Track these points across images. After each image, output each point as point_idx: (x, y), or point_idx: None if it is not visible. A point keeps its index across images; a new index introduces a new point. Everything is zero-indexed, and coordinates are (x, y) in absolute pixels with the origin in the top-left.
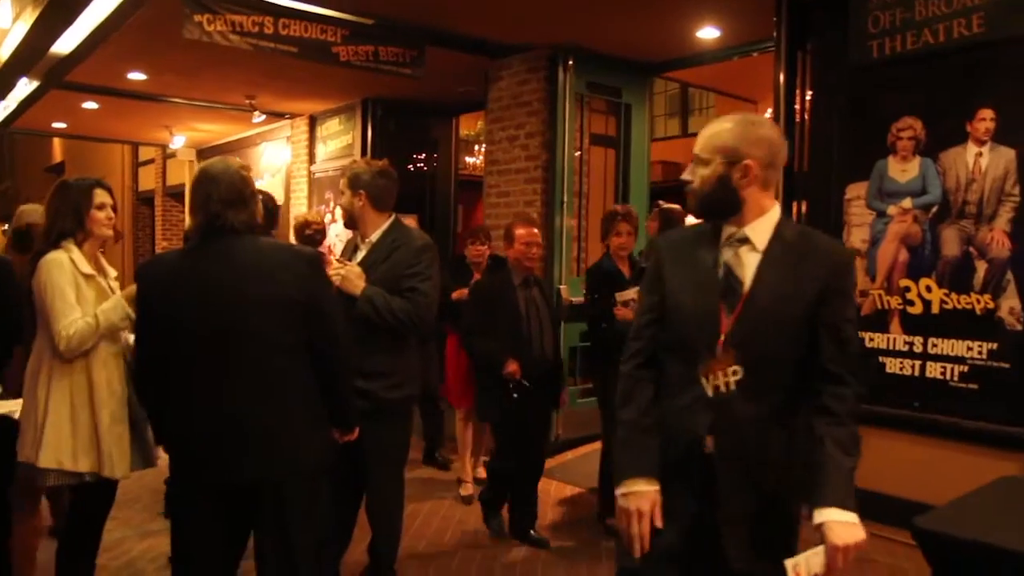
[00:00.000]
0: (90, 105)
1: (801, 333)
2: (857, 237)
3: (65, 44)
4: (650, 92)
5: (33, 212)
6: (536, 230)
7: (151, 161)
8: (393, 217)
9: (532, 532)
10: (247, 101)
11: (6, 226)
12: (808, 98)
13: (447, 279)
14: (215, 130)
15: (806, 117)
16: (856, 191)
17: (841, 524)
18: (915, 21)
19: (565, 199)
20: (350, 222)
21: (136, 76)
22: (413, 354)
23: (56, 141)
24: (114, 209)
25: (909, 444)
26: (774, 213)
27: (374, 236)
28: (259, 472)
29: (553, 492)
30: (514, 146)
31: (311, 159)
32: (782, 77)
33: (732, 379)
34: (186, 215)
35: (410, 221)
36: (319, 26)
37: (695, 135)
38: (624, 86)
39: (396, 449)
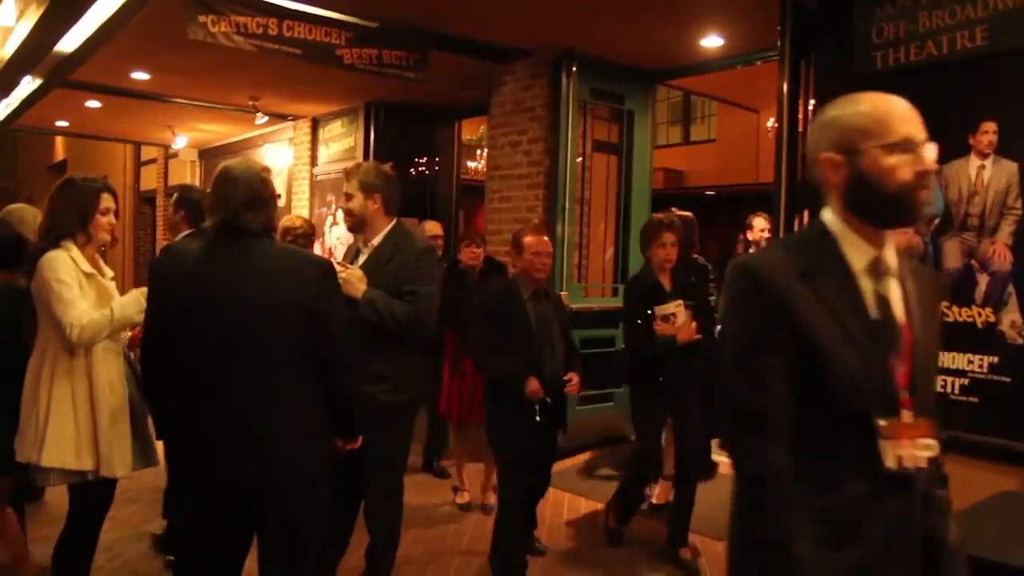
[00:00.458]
0: (93, 104)
1: None
2: None
3: (69, 43)
4: (653, 99)
5: (20, 212)
6: (546, 238)
7: (153, 161)
8: (396, 220)
9: (532, 541)
10: (250, 102)
11: None
12: (811, 108)
13: (450, 286)
14: (218, 131)
15: (809, 127)
16: None
17: None
18: (919, 33)
19: (567, 205)
20: (358, 226)
21: (139, 76)
22: (414, 358)
23: (58, 139)
24: (116, 214)
25: None
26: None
27: (376, 240)
28: (262, 477)
29: (551, 499)
30: (517, 151)
31: (313, 161)
32: (786, 86)
33: (923, 454)
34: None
35: (433, 225)
36: (323, 28)
37: (697, 143)
38: (627, 93)
39: (396, 453)
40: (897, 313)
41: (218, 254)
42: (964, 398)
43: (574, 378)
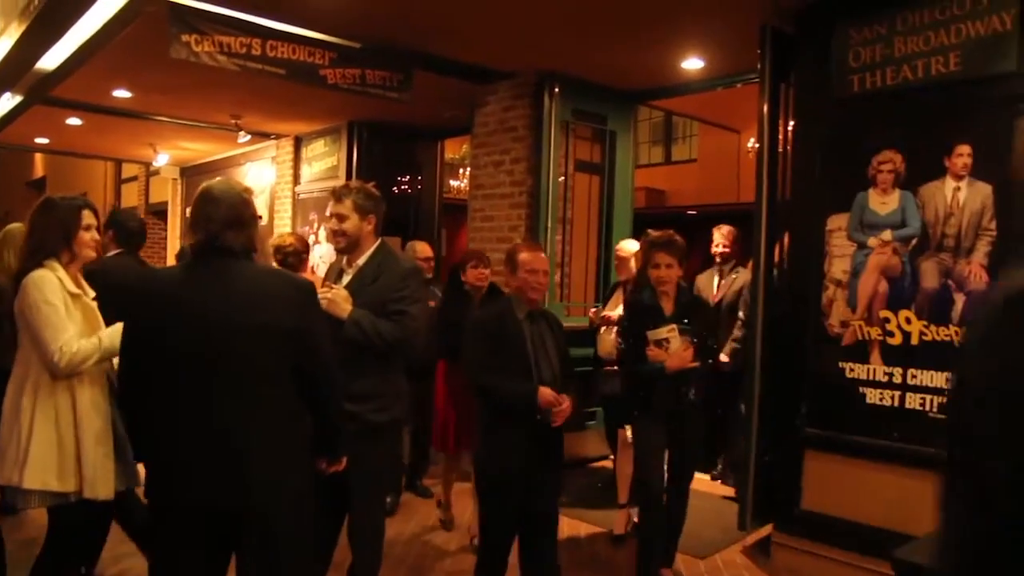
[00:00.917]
0: (74, 121)
1: None
2: (838, 268)
3: (50, 60)
4: (635, 119)
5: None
6: (543, 255)
7: (134, 178)
8: (380, 240)
9: None
10: (233, 121)
11: None
12: (791, 129)
13: (449, 307)
14: (200, 149)
15: (789, 148)
16: (837, 222)
17: None
18: (894, 57)
19: (549, 224)
20: (351, 247)
21: (121, 93)
22: (400, 377)
23: (38, 156)
24: (98, 230)
25: (888, 475)
26: None
27: (361, 260)
28: (243, 497)
29: None
30: (499, 171)
31: (296, 180)
32: (765, 108)
33: None
34: (168, 233)
35: (423, 247)
36: (307, 48)
37: (678, 163)
38: (609, 113)
39: (381, 472)
40: None
41: (199, 274)
42: (942, 416)
43: (564, 401)
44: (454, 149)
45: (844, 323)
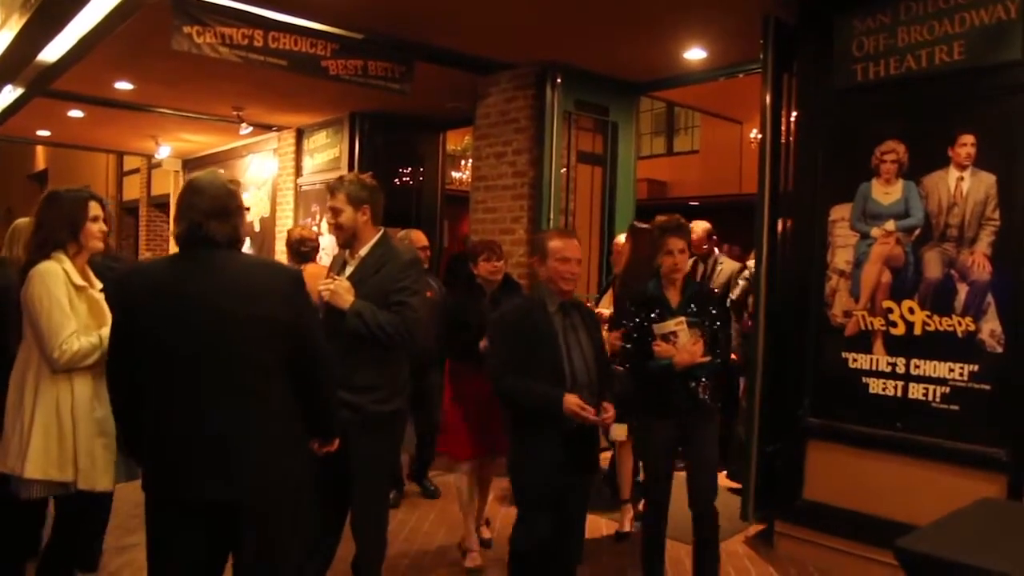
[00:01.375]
0: (75, 113)
1: None
2: (841, 258)
3: (51, 53)
4: (637, 111)
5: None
6: (576, 242)
7: (136, 171)
8: (382, 231)
9: None
10: (235, 113)
11: None
12: (793, 120)
13: (462, 302)
14: (201, 141)
15: (791, 139)
16: (840, 213)
17: None
18: (898, 47)
19: (551, 216)
20: (348, 240)
21: (123, 86)
22: (402, 368)
23: (39, 148)
24: (106, 222)
25: (891, 465)
26: None
27: (363, 251)
28: (235, 490)
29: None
30: (501, 162)
31: (298, 172)
32: (768, 99)
33: None
34: (171, 225)
35: (419, 235)
36: (309, 40)
37: (680, 154)
38: (611, 104)
39: (384, 463)
40: None
41: (184, 265)
42: (945, 406)
43: (610, 409)
44: (456, 141)
45: (847, 313)
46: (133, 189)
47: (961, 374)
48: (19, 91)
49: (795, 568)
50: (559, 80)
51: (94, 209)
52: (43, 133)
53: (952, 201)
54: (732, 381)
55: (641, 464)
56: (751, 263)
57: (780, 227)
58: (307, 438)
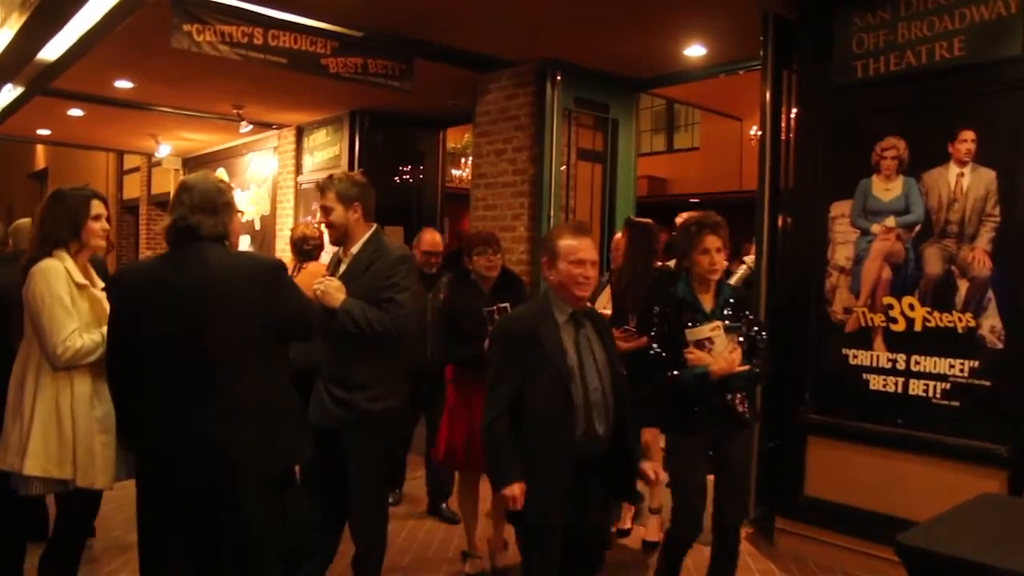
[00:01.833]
0: (75, 112)
1: None
2: (841, 255)
3: (51, 51)
4: (637, 108)
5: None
6: (591, 241)
7: (136, 169)
8: (375, 228)
9: None
10: (235, 111)
11: None
12: (794, 117)
13: (454, 301)
14: (201, 139)
15: (791, 135)
16: (841, 209)
17: None
18: (898, 43)
19: (552, 213)
20: (341, 238)
21: (123, 84)
22: (395, 365)
23: (39, 147)
24: (108, 220)
25: (892, 460)
26: None
27: (355, 248)
28: (212, 485)
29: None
30: (501, 160)
31: (298, 170)
32: (768, 96)
33: None
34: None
35: (432, 236)
36: (309, 38)
37: (680, 151)
38: (611, 101)
39: (378, 461)
40: None
41: (174, 261)
42: (945, 402)
43: (650, 471)
44: (456, 138)
45: (847, 310)
46: (133, 188)
47: (962, 370)
48: (19, 90)
49: (796, 564)
50: (559, 77)
51: (96, 207)
52: (43, 132)
53: (952, 197)
54: None
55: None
56: (749, 259)
57: (780, 224)
58: (292, 435)
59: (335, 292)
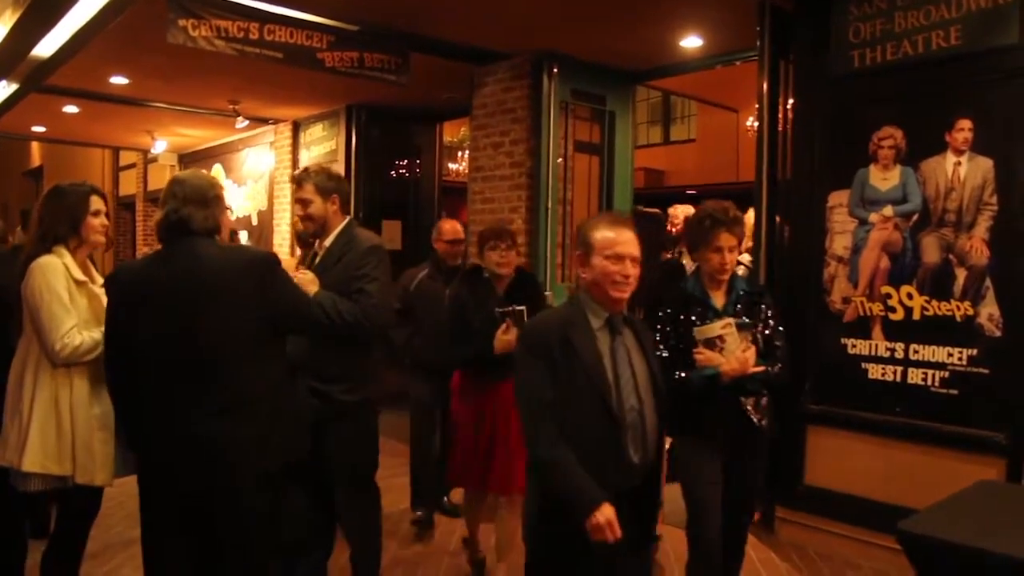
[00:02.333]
0: (71, 109)
1: None
2: (839, 244)
3: (46, 47)
4: (633, 100)
5: None
6: (632, 233)
7: (132, 166)
8: (348, 219)
9: None
10: (231, 107)
11: None
12: (791, 107)
13: (466, 299)
14: (198, 135)
15: (789, 126)
16: (838, 199)
17: None
18: (895, 32)
19: (550, 206)
20: (319, 230)
21: (118, 80)
22: (370, 357)
23: (34, 145)
24: (107, 216)
25: (891, 449)
26: None
27: (328, 240)
28: (212, 481)
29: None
30: (499, 153)
31: (295, 165)
32: (765, 86)
33: None
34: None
35: (452, 226)
36: (304, 32)
37: (677, 143)
38: (608, 94)
39: (360, 452)
40: None
41: (167, 258)
42: (944, 391)
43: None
44: (453, 132)
45: (846, 299)
46: (129, 184)
47: (960, 358)
48: (13, 87)
49: (796, 553)
50: (555, 69)
51: (96, 203)
52: (38, 129)
53: (950, 186)
54: None
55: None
56: (745, 258)
57: (778, 215)
58: (289, 430)
59: (308, 284)
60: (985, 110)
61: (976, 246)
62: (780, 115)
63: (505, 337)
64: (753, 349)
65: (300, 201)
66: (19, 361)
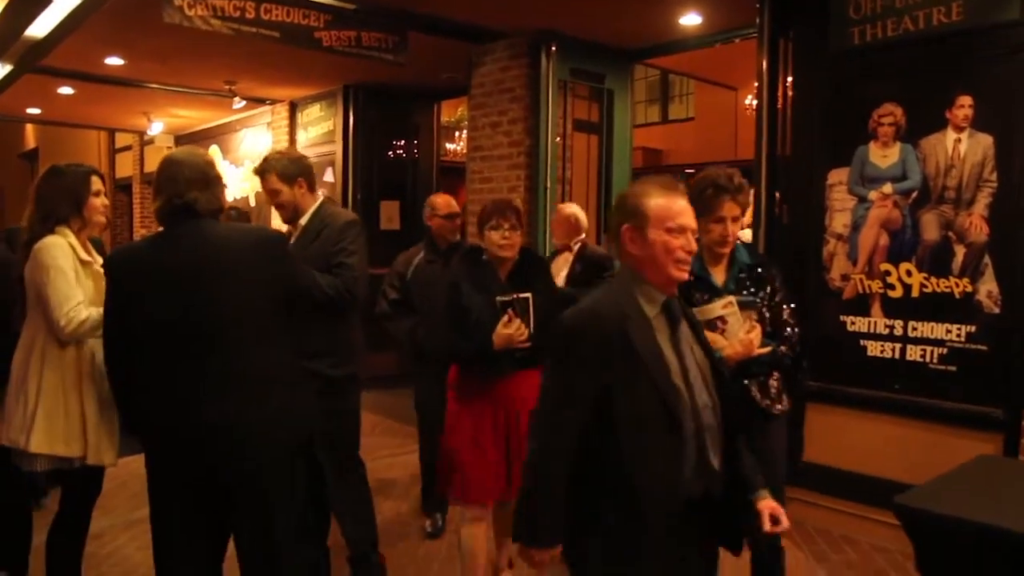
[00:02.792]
0: (66, 90)
1: None
2: (839, 222)
3: (40, 27)
4: (632, 78)
5: None
6: (684, 201)
7: (128, 148)
8: (321, 198)
9: None
10: (227, 87)
11: None
12: (790, 85)
13: (463, 284)
14: (194, 116)
15: (788, 104)
16: (838, 177)
17: None
18: (895, 8)
19: (548, 185)
20: (293, 216)
21: (113, 61)
22: (354, 332)
23: (29, 127)
24: (106, 196)
25: (890, 425)
26: None
27: (303, 220)
28: (230, 463)
29: None
30: (497, 132)
31: (292, 146)
32: (764, 64)
33: None
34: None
35: (442, 199)
36: (301, 11)
37: (675, 121)
38: (607, 72)
39: (346, 427)
40: None
41: (172, 239)
42: (943, 367)
43: (772, 511)
44: (451, 112)
45: (845, 277)
46: (126, 166)
47: (959, 335)
48: (8, 68)
49: (795, 529)
50: (553, 48)
51: (96, 184)
52: (33, 111)
53: (950, 163)
54: None
55: None
56: (745, 233)
57: (778, 192)
58: (302, 406)
59: None
60: (986, 86)
61: (975, 223)
62: (780, 93)
63: (506, 331)
64: (758, 329)
65: (268, 192)
66: (24, 345)
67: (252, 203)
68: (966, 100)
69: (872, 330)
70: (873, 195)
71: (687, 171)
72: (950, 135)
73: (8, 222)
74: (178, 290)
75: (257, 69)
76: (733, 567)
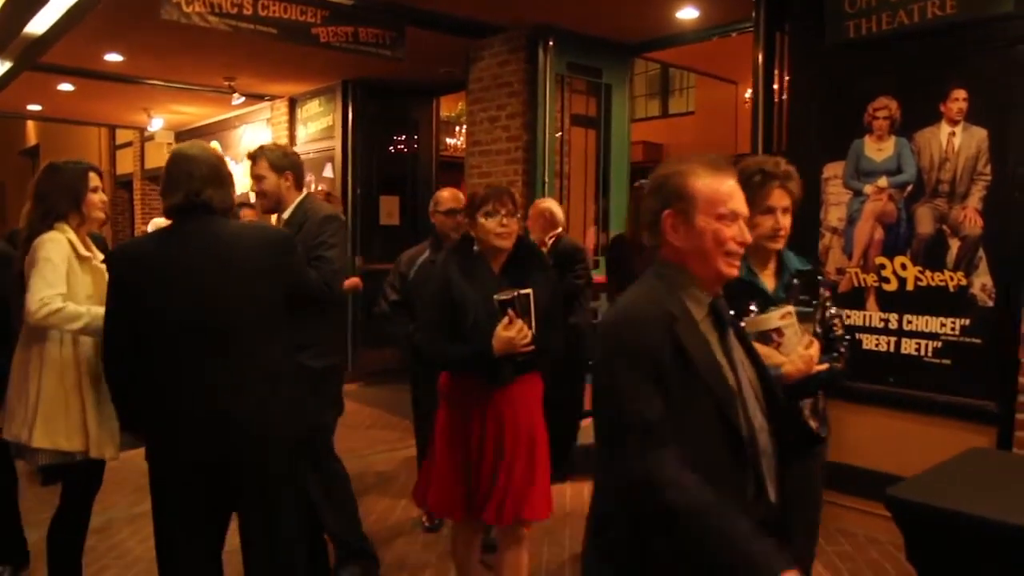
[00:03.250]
0: (66, 87)
1: None
2: (834, 216)
3: (39, 24)
4: (630, 73)
5: None
6: (733, 181)
7: (129, 144)
8: (304, 194)
9: None
10: (226, 83)
11: None
12: (786, 78)
13: (455, 280)
14: (194, 112)
15: (784, 97)
16: (833, 170)
17: None
18: (890, 2)
19: (547, 180)
20: (273, 207)
21: (113, 57)
22: (332, 323)
23: (30, 124)
24: (104, 192)
25: (884, 418)
26: None
27: (286, 214)
28: (236, 453)
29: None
30: (495, 127)
31: (292, 141)
32: (760, 58)
33: None
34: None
35: (451, 193)
36: (299, 7)
37: (676, 116)
38: (605, 66)
39: (324, 418)
40: None
41: (182, 235)
42: (937, 360)
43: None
44: (450, 107)
45: (840, 270)
46: (126, 163)
47: (953, 328)
48: (7, 65)
49: None
50: (551, 43)
51: (94, 180)
52: (34, 108)
53: (944, 156)
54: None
55: None
56: None
57: None
58: (304, 398)
59: None
60: (980, 80)
61: (970, 216)
62: (776, 86)
63: (507, 334)
64: (816, 344)
65: (254, 177)
66: (25, 339)
67: (252, 199)
68: (960, 93)
69: (867, 323)
70: (868, 189)
71: None
72: (944, 128)
73: (9, 219)
74: (190, 286)
75: (256, 65)
76: None
